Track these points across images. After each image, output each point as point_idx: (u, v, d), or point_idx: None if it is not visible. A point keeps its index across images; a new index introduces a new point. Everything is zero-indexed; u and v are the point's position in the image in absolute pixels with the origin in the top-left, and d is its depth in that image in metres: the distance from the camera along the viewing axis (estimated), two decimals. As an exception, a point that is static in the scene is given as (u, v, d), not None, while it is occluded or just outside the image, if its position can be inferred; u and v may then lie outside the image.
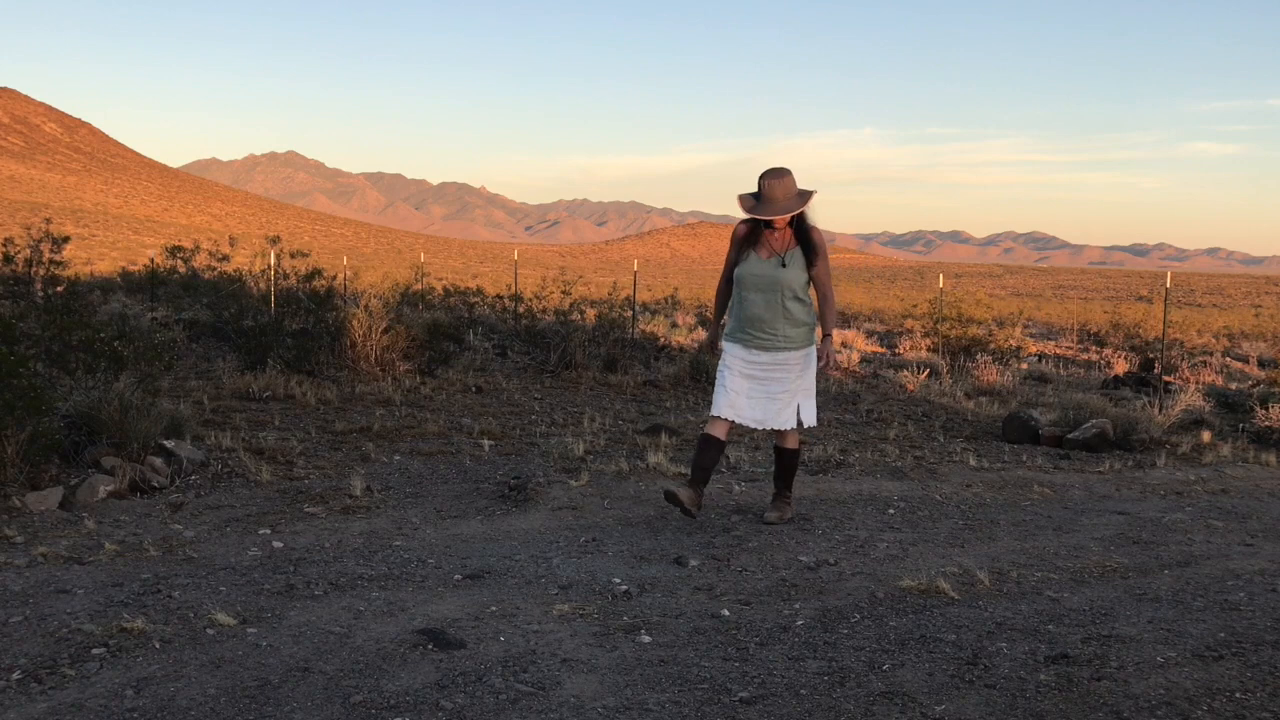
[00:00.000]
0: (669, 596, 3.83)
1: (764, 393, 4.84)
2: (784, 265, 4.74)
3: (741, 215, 4.81)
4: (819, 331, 4.92)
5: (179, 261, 19.29)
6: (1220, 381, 13.96)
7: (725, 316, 5.11)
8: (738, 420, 4.85)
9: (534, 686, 2.96)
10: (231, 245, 18.93)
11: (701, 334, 16.91)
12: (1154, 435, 8.09)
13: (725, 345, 4.94)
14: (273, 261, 12.66)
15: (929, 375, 12.40)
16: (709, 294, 40.42)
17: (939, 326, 15.69)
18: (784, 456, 5.02)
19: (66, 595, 3.62)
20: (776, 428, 4.89)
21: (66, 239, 15.89)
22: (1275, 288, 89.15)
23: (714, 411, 4.88)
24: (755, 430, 7.97)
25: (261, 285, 12.92)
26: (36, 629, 3.29)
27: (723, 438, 4.89)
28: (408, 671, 3.04)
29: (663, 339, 15.38)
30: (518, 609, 3.62)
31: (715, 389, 4.93)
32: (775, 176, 4.70)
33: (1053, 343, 22.67)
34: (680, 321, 19.94)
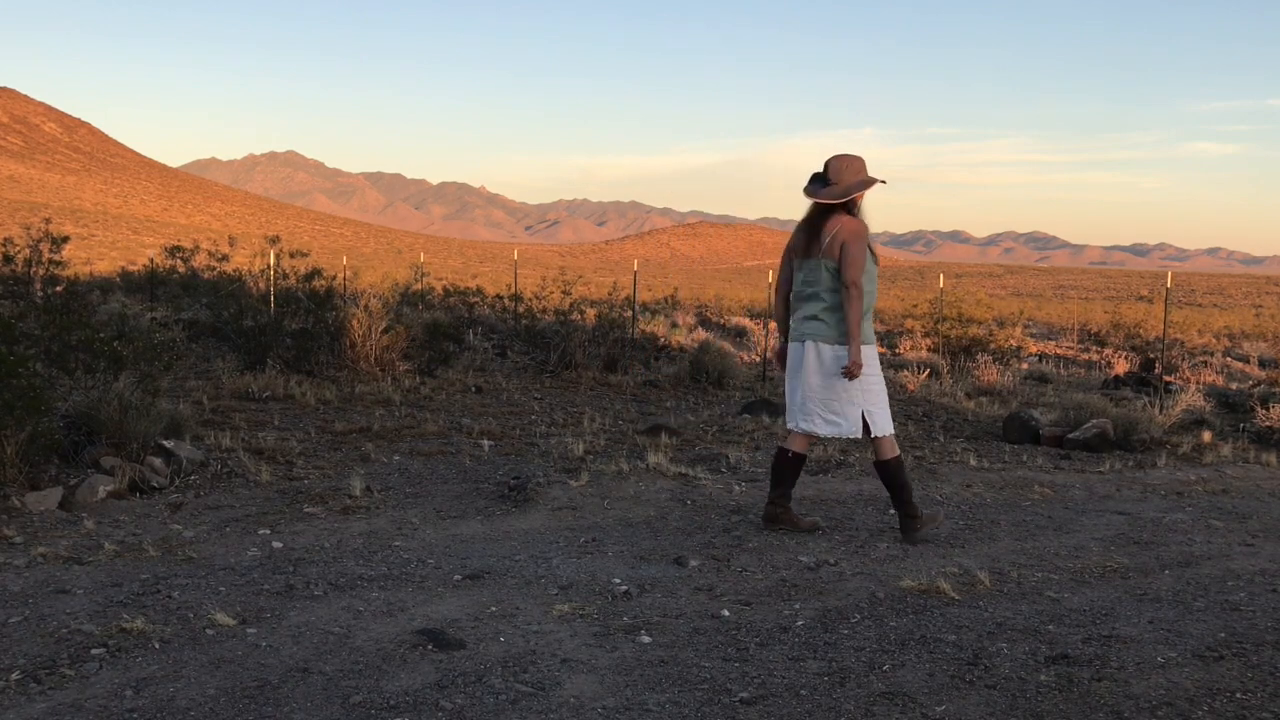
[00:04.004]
0: (669, 597, 3.82)
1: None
2: None
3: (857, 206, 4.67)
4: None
5: (178, 261, 19.29)
6: (1221, 381, 13.95)
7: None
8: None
9: (534, 687, 2.96)
10: (231, 245, 18.93)
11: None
12: (1154, 435, 8.09)
13: (867, 350, 4.62)
14: (272, 261, 12.65)
15: (929, 375, 12.39)
16: (709, 294, 40.05)
17: (939, 326, 15.68)
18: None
19: (66, 595, 3.62)
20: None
21: (66, 239, 15.88)
22: (1276, 288, 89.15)
23: (891, 428, 4.72)
24: (753, 429, 8.00)
25: (261, 285, 12.91)
26: (36, 629, 3.29)
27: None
28: (407, 672, 3.04)
29: (663, 339, 15.38)
30: (518, 609, 3.62)
31: (882, 402, 4.67)
32: None
33: (1053, 343, 22.67)
34: (680, 321, 19.94)
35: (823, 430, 4.64)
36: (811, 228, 4.63)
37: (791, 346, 4.75)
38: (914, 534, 4.72)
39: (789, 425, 4.78)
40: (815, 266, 4.60)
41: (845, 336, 4.53)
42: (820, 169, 4.67)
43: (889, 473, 4.73)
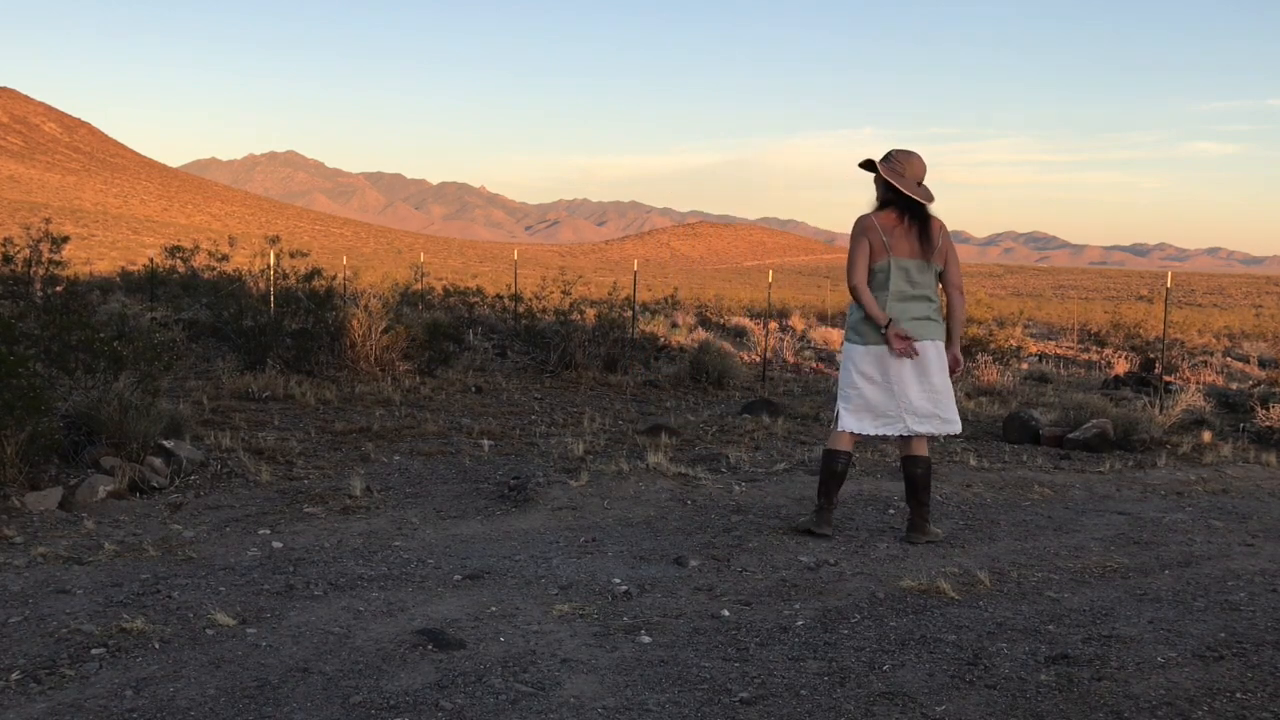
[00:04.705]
0: (669, 597, 3.83)
1: None
2: None
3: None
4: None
5: (178, 261, 19.30)
6: (1221, 381, 13.95)
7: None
8: None
9: (534, 687, 2.96)
10: (231, 245, 18.93)
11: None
12: (1154, 435, 8.08)
13: None
14: (272, 261, 12.65)
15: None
16: (709, 294, 40.05)
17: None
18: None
19: (66, 595, 3.62)
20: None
21: (66, 239, 15.86)
22: (1276, 288, 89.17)
23: None
24: (753, 429, 8.00)
25: (261, 285, 12.91)
26: (36, 629, 3.29)
27: None
28: (407, 672, 3.04)
29: (663, 339, 15.38)
30: (517, 609, 3.62)
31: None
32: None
33: (1053, 343, 22.65)
34: (680, 321, 19.94)
35: (943, 429, 4.64)
36: (923, 229, 4.61)
37: None
38: (918, 537, 4.72)
39: (888, 431, 4.64)
40: (927, 269, 4.62)
41: (946, 336, 4.68)
42: (889, 164, 4.66)
43: (925, 470, 4.71)
